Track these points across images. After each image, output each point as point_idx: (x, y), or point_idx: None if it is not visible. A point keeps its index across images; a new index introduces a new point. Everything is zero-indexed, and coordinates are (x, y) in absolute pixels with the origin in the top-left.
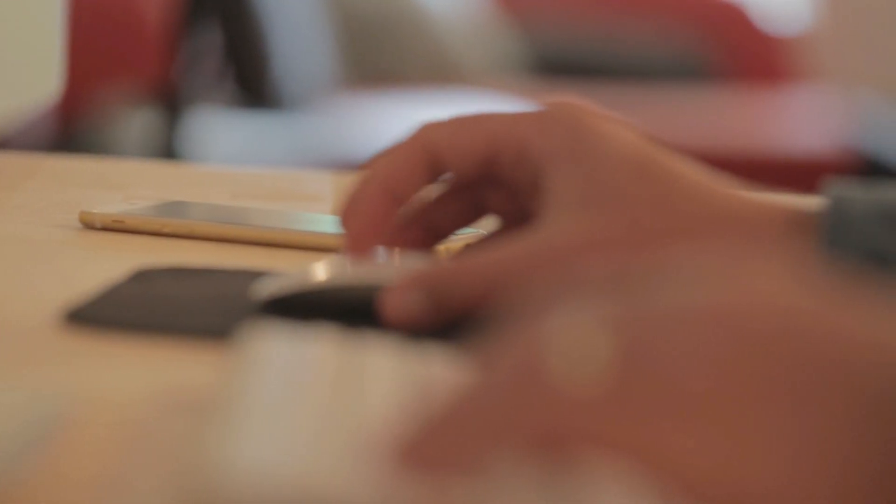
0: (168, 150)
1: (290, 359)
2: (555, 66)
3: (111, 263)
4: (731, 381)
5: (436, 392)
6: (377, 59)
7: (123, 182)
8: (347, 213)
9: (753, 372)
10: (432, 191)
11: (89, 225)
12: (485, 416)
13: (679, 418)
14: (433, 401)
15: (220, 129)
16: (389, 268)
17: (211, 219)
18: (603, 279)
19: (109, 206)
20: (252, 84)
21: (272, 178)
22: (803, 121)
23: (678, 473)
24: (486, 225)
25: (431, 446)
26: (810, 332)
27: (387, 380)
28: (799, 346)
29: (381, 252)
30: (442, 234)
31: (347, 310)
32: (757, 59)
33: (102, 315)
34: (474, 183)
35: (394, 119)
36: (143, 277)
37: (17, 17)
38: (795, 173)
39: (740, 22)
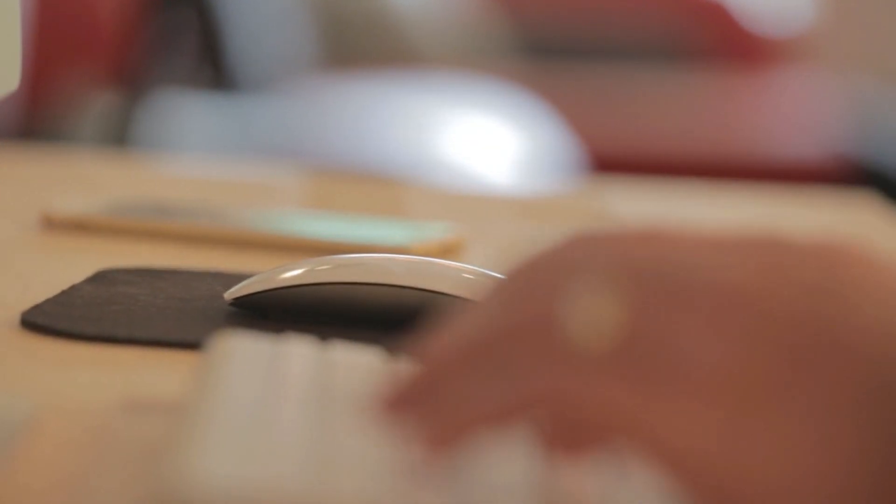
0: (133, 136)
1: (257, 368)
2: (539, 48)
3: (74, 264)
4: (745, 358)
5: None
6: (349, 42)
7: (88, 178)
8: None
9: (768, 351)
10: None
11: (52, 224)
12: (494, 363)
13: (686, 392)
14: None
15: (187, 114)
16: (363, 265)
17: (177, 217)
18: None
19: (72, 204)
20: (220, 67)
21: (241, 174)
22: (792, 115)
23: (681, 448)
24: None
25: (435, 389)
26: (832, 315)
27: (356, 391)
28: (817, 330)
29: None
30: None
31: (317, 309)
32: (744, 56)
33: (60, 321)
34: None
35: (365, 103)
36: (104, 279)
37: None
38: (780, 175)
39: (724, 16)
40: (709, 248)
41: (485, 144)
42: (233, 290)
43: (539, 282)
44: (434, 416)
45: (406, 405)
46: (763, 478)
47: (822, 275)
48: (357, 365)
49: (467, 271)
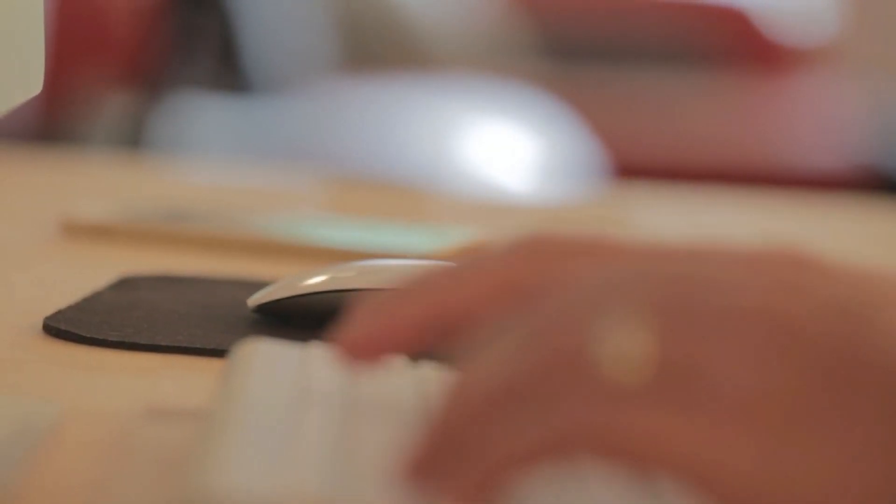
0: (150, 138)
1: (281, 376)
2: (560, 52)
3: (94, 270)
4: (778, 381)
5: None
6: (368, 45)
7: (106, 183)
8: (371, 317)
9: (798, 373)
10: None
11: (71, 230)
12: (523, 401)
13: (723, 417)
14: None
15: (204, 116)
16: (386, 271)
17: (197, 223)
18: (657, 275)
19: (92, 210)
20: (238, 69)
21: (261, 178)
22: (813, 122)
23: (720, 473)
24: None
25: (466, 433)
26: (858, 336)
27: (381, 401)
28: (845, 351)
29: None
30: None
31: (341, 316)
32: (765, 63)
33: (82, 327)
34: None
35: (383, 106)
36: (126, 285)
37: None
38: (802, 182)
39: (746, 23)
40: (730, 264)
41: (505, 148)
42: (255, 296)
43: (560, 314)
44: (465, 466)
45: (435, 463)
46: (805, 498)
47: (844, 293)
48: (381, 372)
49: None
